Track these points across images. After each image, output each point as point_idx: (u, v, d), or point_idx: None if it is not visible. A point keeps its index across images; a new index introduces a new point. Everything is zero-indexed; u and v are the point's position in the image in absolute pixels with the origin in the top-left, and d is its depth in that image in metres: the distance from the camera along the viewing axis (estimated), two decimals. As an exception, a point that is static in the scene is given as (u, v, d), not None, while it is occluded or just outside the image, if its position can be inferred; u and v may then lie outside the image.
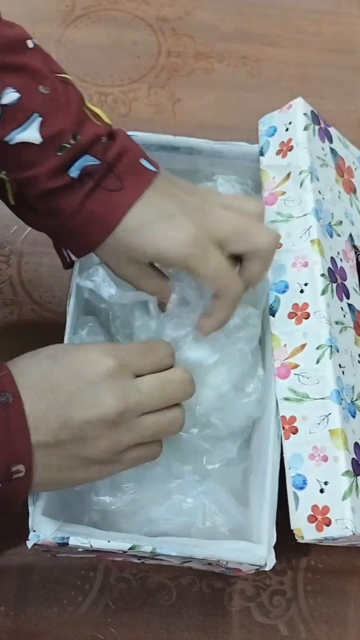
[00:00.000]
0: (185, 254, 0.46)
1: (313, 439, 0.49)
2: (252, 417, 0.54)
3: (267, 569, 0.46)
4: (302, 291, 0.53)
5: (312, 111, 0.59)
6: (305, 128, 0.58)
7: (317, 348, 0.51)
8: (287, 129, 0.58)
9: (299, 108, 0.58)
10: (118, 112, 0.72)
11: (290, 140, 0.58)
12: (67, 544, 0.45)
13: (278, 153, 0.58)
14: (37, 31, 0.74)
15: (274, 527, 0.47)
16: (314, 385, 0.50)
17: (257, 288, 0.53)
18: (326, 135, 0.60)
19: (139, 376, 0.45)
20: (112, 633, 0.53)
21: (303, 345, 0.52)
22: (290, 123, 0.58)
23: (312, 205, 0.55)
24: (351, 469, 0.48)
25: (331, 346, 0.51)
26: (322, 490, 0.48)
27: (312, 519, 0.48)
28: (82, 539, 0.45)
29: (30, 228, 0.52)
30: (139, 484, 0.50)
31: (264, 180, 0.58)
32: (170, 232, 0.46)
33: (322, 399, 0.50)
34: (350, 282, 0.56)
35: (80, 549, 0.46)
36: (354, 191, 0.61)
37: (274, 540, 0.46)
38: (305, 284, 0.53)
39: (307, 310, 0.52)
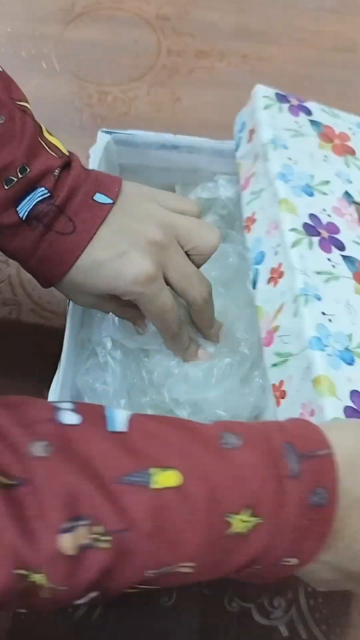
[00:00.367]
0: (135, 292, 0.47)
1: (300, 397, 0.47)
2: (258, 407, 0.53)
3: None
4: (276, 253, 0.53)
5: (276, 93, 0.60)
6: (266, 107, 0.58)
7: (294, 302, 0.50)
8: (251, 118, 0.59)
9: (259, 93, 0.60)
10: (118, 111, 0.72)
11: (253, 124, 0.58)
12: None
13: (248, 142, 0.59)
14: (37, 30, 0.73)
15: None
16: (294, 341, 0.49)
17: None
18: (301, 110, 0.61)
19: None
20: (112, 634, 0.53)
21: (282, 305, 0.51)
22: (253, 111, 0.59)
23: (277, 170, 0.55)
24: (343, 417, 0.45)
25: (307, 295, 0.49)
26: None
27: None
28: None
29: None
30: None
31: (239, 172, 0.59)
32: (123, 271, 0.46)
33: (303, 350, 0.48)
34: (348, 235, 0.56)
35: None
36: (352, 153, 0.62)
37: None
38: (278, 245, 0.53)
39: (281, 270, 0.52)
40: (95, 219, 0.47)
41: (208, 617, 0.54)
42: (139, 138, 0.59)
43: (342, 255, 0.54)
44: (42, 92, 0.75)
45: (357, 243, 0.55)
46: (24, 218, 0.46)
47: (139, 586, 0.37)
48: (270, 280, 0.52)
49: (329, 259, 0.52)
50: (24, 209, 0.46)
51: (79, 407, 0.37)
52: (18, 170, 0.45)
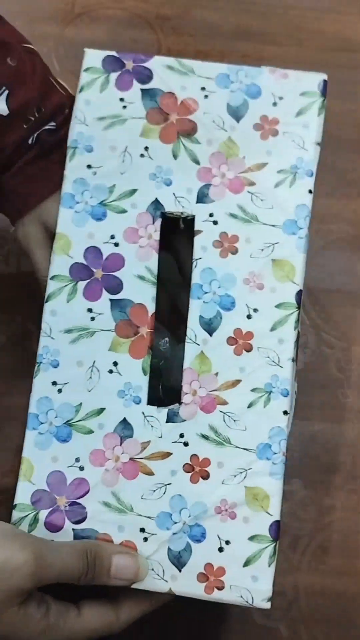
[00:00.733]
0: None
1: None
2: None
3: None
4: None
5: (106, 57, 0.53)
6: (86, 87, 0.52)
7: (36, 369, 0.49)
8: None
9: (84, 64, 0.53)
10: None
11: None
12: None
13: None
14: (37, 30, 0.73)
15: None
16: None
17: None
18: (137, 76, 0.52)
19: None
20: (111, 635, 0.53)
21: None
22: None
23: (65, 190, 0.50)
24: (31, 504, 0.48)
25: (41, 362, 0.48)
26: None
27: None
28: None
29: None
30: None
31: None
32: None
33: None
34: (134, 268, 0.50)
35: None
36: (190, 132, 0.52)
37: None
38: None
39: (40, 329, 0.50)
40: None
41: (208, 617, 0.54)
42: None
43: (112, 300, 0.50)
44: (42, 92, 0.75)
45: (142, 278, 0.50)
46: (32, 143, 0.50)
47: None
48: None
49: (89, 309, 0.49)
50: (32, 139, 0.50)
51: None
52: (35, 110, 0.49)
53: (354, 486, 0.61)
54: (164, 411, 0.49)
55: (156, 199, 0.51)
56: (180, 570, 0.47)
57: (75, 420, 0.48)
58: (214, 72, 0.53)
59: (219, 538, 0.47)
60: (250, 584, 0.45)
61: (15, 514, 0.47)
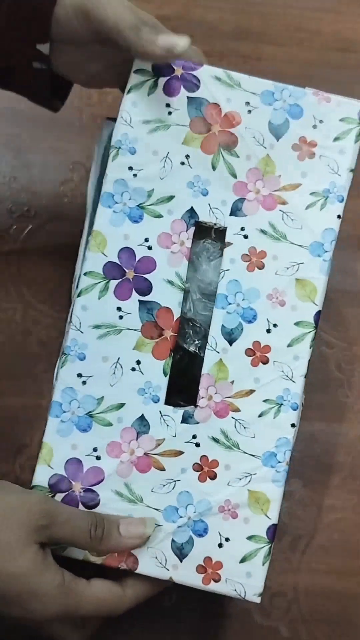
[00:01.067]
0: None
1: None
2: None
3: None
4: (71, 301, 0.52)
5: (153, 66, 0.52)
6: (134, 88, 0.52)
7: (60, 359, 0.51)
8: None
9: (134, 65, 0.51)
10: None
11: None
12: None
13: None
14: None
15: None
16: None
17: None
18: (184, 83, 0.52)
19: None
20: (111, 635, 0.53)
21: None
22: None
23: (106, 189, 0.51)
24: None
25: (68, 354, 0.50)
26: None
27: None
28: None
29: (30, 227, 0.51)
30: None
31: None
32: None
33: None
34: (164, 272, 0.52)
35: None
36: (231, 144, 0.53)
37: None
38: (73, 293, 0.52)
39: (70, 320, 0.52)
40: None
41: (208, 617, 0.54)
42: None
43: (141, 301, 0.51)
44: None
45: (170, 283, 0.52)
46: None
47: None
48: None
49: (119, 308, 0.51)
50: None
51: None
52: None
53: (354, 486, 0.61)
54: (179, 412, 0.51)
55: (192, 207, 0.52)
56: (181, 561, 0.50)
57: (97, 412, 0.50)
58: (260, 88, 0.53)
59: (220, 535, 0.50)
60: (245, 579, 0.49)
61: None
